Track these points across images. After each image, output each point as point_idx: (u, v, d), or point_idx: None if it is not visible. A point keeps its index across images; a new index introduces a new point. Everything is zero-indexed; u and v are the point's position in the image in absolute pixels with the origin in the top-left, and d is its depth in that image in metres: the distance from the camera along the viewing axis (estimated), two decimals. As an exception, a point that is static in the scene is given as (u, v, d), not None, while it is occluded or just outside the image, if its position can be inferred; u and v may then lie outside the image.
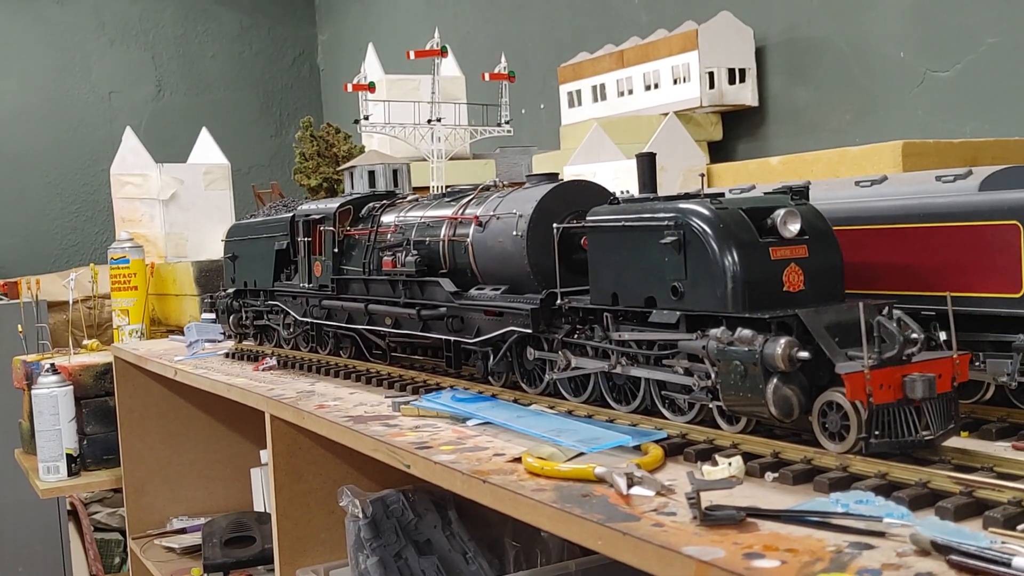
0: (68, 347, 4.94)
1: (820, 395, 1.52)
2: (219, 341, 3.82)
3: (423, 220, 2.50)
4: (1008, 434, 1.70)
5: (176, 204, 5.42)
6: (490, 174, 4.98)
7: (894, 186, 2.08)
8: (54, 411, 4.26)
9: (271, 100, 9.51)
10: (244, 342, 3.50)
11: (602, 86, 5.10)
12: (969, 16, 4.02)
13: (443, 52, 3.90)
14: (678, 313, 1.73)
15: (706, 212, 1.68)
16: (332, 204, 2.86)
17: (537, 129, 6.27)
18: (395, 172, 3.38)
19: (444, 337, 2.37)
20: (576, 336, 2.01)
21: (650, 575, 1.32)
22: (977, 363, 1.73)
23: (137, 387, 4.17)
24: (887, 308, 1.57)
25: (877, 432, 1.46)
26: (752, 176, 3.75)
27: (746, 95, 4.77)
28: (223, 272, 3.64)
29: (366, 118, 3.81)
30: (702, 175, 1.85)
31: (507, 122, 3.94)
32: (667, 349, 1.79)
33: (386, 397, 2.43)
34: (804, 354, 1.50)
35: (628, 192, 2.00)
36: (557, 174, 2.24)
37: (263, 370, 3.03)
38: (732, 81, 4.73)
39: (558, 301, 2.02)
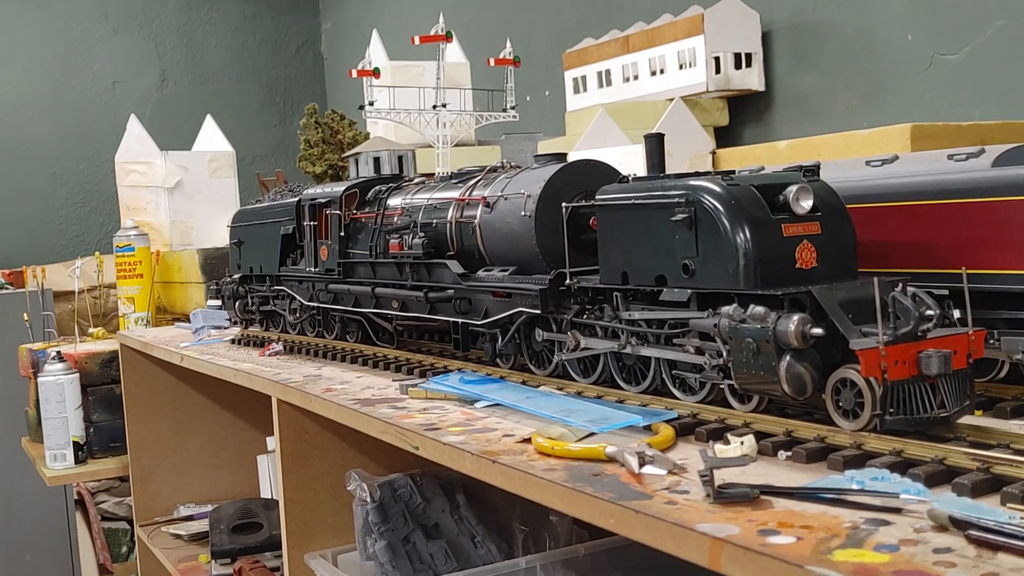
0: (74, 335, 4.94)
1: (833, 372, 1.50)
2: (225, 328, 3.81)
3: (430, 202, 2.48)
4: (1023, 413, 1.68)
5: (181, 192, 5.41)
6: (495, 160, 4.95)
7: (905, 165, 2.06)
8: (60, 399, 4.26)
9: (275, 89, 9.49)
10: (250, 328, 3.49)
11: (607, 72, 5.07)
12: (977, -2, 4.00)
13: (448, 37, 3.87)
14: (689, 291, 1.72)
15: (717, 189, 1.66)
16: (338, 188, 2.84)
17: (542, 116, 6.24)
18: (400, 158, 3.36)
19: (452, 319, 2.36)
20: (585, 316, 1.99)
21: (659, 555, 1.31)
22: (991, 341, 1.71)
23: (143, 375, 4.17)
24: (901, 285, 1.56)
25: (892, 409, 1.44)
26: (759, 160, 3.72)
27: (752, 80, 4.75)
28: (228, 259, 3.63)
29: (371, 104, 3.79)
30: (713, 152, 1.83)
31: (512, 107, 3.91)
32: (678, 328, 1.77)
33: (393, 380, 2.41)
34: (818, 331, 1.49)
35: (633, 175, 1.99)
36: (565, 154, 2.22)
37: (269, 355, 3.02)
38: (738, 66, 4.70)
39: (567, 281, 2.00)
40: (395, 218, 2.59)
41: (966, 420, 1.53)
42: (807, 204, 1.66)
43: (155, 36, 9.05)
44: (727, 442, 1.58)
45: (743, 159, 3.86)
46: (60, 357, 4.32)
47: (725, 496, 1.33)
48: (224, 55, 9.30)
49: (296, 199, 3.06)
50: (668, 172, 1.94)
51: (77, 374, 4.34)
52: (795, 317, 1.50)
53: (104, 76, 8.84)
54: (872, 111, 4.39)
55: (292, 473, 2.62)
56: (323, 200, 2.88)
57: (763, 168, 2.32)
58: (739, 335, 1.57)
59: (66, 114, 8.66)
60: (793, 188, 1.65)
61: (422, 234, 2.43)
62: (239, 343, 3.39)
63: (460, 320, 2.33)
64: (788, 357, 1.50)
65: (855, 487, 1.32)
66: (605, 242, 1.90)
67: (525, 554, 2.49)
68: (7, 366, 5.48)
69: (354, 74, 3.80)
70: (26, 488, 5.78)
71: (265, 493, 3.98)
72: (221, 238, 5.15)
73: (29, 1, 8.58)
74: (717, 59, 4.62)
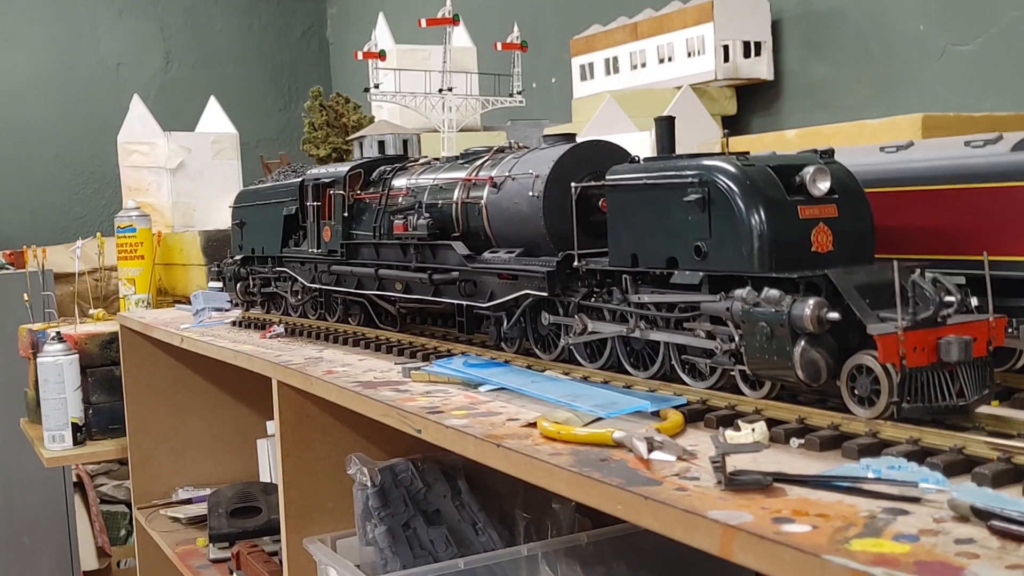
0: (74, 316, 4.90)
1: (849, 358, 1.46)
2: (226, 309, 3.77)
3: (435, 183, 2.44)
4: (1041, 403, 1.65)
5: (183, 173, 5.36)
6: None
7: (921, 151, 2.01)
8: (59, 380, 4.22)
9: (279, 73, 9.43)
10: (251, 310, 3.45)
11: (615, 59, 5.02)
12: (991, -12, 3.95)
13: (455, 20, 3.83)
14: (701, 274, 1.67)
15: (732, 169, 1.62)
16: (342, 168, 2.80)
17: (548, 102, 6.20)
18: (405, 142, 3.33)
19: (456, 302, 2.32)
20: (593, 300, 1.95)
21: (662, 543, 1.27)
22: (1009, 330, 1.67)
23: (143, 357, 4.13)
24: (919, 270, 1.51)
25: (909, 397, 1.40)
26: (768, 148, 3.68)
27: (761, 69, 4.70)
28: (230, 241, 3.59)
29: (376, 86, 3.75)
30: (727, 132, 1.79)
31: (519, 93, 3.87)
32: (688, 312, 1.73)
33: (396, 363, 2.37)
34: (834, 315, 1.45)
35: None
36: (574, 135, 2.18)
37: (270, 337, 2.99)
38: (747, 54, 4.66)
39: (575, 263, 1.96)
40: (400, 198, 2.54)
41: (983, 410, 1.49)
42: (824, 186, 1.62)
43: (160, 18, 8.99)
44: (738, 429, 1.54)
45: (751, 146, 3.80)
46: (60, 338, 4.28)
47: (737, 483, 1.29)
48: (229, 38, 9.25)
49: (299, 179, 3.02)
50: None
51: (77, 355, 4.30)
52: (811, 301, 1.46)
53: (108, 58, 8.79)
54: (883, 101, 4.34)
55: (292, 456, 2.58)
56: (327, 180, 2.84)
57: (774, 154, 2.28)
58: (752, 319, 1.53)
59: (70, 96, 8.61)
60: (810, 169, 1.61)
61: (427, 215, 2.39)
62: (240, 325, 3.35)
63: (465, 303, 2.29)
64: (803, 342, 1.46)
65: (871, 475, 1.28)
66: (615, 223, 1.86)
67: (527, 541, 2.46)
68: (7, 346, 5.45)
69: (360, 56, 3.76)
70: (25, 470, 5.76)
71: (264, 477, 3.95)
72: (223, 220, 5.10)
73: (34, -19, 8.54)
74: (726, 47, 4.57)
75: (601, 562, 2.37)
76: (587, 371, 1.99)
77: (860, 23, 4.45)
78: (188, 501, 4.16)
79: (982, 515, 1.12)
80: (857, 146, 2.41)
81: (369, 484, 2.45)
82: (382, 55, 3.83)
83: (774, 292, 1.51)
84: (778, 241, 1.57)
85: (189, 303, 4.07)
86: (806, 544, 1.09)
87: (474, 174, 2.30)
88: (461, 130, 3.87)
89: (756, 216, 1.57)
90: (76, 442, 4.29)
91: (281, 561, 2.78)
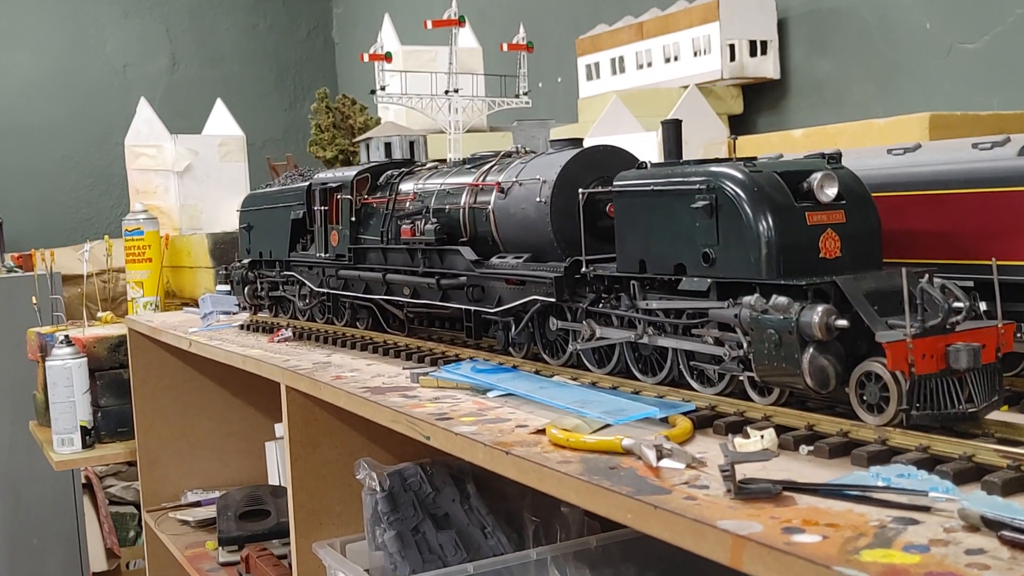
0: (82, 319, 4.91)
1: (858, 365, 1.46)
2: (234, 313, 3.78)
3: (443, 187, 2.44)
4: (1050, 408, 1.65)
5: (191, 176, 5.37)
6: (507, 147, 4.91)
7: (928, 154, 2.01)
8: (68, 383, 4.23)
9: (285, 73, 9.44)
10: (259, 314, 3.46)
11: (621, 58, 5.02)
12: (998, -14, 3.94)
13: (461, 22, 3.83)
14: (709, 280, 1.68)
15: (739, 175, 1.62)
16: (349, 172, 2.80)
17: (554, 102, 6.19)
18: (411, 144, 3.32)
19: (464, 307, 2.32)
20: (601, 305, 1.95)
21: (671, 548, 1.27)
22: (1018, 335, 1.66)
23: (151, 359, 4.14)
24: (927, 276, 1.51)
25: (918, 404, 1.40)
26: (775, 149, 3.67)
27: (767, 68, 4.69)
28: (238, 244, 3.60)
29: (382, 88, 3.75)
30: (734, 137, 1.79)
31: (525, 94, 3.87)
32: (697, 318, 1.73)
33: (404, 368, 2.38)
34: (842, 322, 1.45)
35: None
36: (581, 140, 2.18)
37: (278, 341, 2.99)
38: (753, 53, 4.65)
39: (583, 269, 1.96)
40: (407, 203, 2.55)
41: (993, 416, 1.48)
42: (832, 192, 1.61)
43: (166, 19, 9.01)
44: (747, 436, 1.54)
45: (758, 147, 3.81)
46: (68, 341, 4.29)
47: (747, 492, 1.29)
48: (234, 38, 9.26)
49: (307, 183, 3.03)
50: (687, 158, 1.90)
51: (85, 358, 4.31)
52: (819, 308, 1.46)
53: (115, 59, 8.81)
54: (889, 100, 4.34)
55: (301, 461, 2.59)
56: (334, 184, 2.84)
57: (781, 156, 2.28)
58: (761, 326, 1.53)
59: (76, 97, 8.63)
60: (818, 175, 1.61)
61: (434, 220, 2.39)
62: (248, 329, 3.36)
63: (473, 308, 2.29)
64: (811, 349, 1.46)
65: (881, 484, 1.28)
66: (622, 229, 1.86)
67: (536, 545, 2.46)
68: (15, 349, 5.45)
69: (366, 58, 3.76)
70: (34, 471, 5.77)
71: (273, 480, 3.96)
72: (231, 222, 5.12)
73: (40, -17, 8.55)
74: (732, 46, 4.56)
75: (610, 566, 2.37)
76: (595, 376, 1.99)
77: (866, 21, 4.44)
78: (197, 504, 4.17)
79: (992, 525, 1.12)
80: (864, 148, 2.41)
81: (378, 488, 2.45)
82: (388, 57, 3.83)
83: (782, 299, 1.51)
84: (786, 247, 1.57)
85: (197, 306, 4.08)
86: (817, 555, 1.09)
87: (481, 179, 2.30)
88: (467, 131, 3.87)
89: (764, 222, 1.57)
90: (85, 445, 4.30)
91: (291, 565, 2.79)
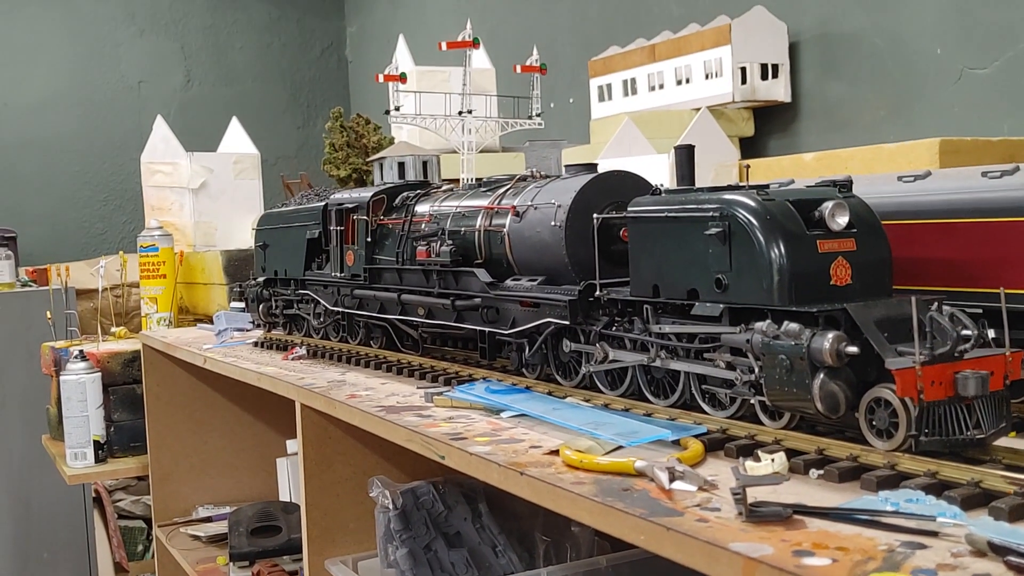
0: (96, 334, 4.95)
1: (868, 391, 1.49)
2: (248, 330, 3.81)
3: (458, 210, 2.47)
4: (1057, 435, 1.67)
5: (205, 193, 5.42)
6: (519, 167, 4.96)
7: (938, 181, 2.04)
8: (82, 398, 4.27)
9: (299, 91, 9.51)
10: (273, 331, 3.49)
11: (633, 80, 5.06)
12: (1008, 12, 3.96)
13: (475, 43, 3.87)
14: (721, 306, 1.70)
15: (752, 203, 1.65)
16: (366, 193, 2.84)
17: (567, 123, 6.23)
18: (425, 164, 3.35)
19: (478, 328, 2.35)
20: (614, 328, 1.98)
21: (681, 568, 1.29)
22: (1026, 362, 1.69)
23: (165, 375, 4.18)
24: (937, 304, 1.54)
25: (927, 430, 1.43)
26: (786, 172, 3.70)
27: (779, 91, 4.72)
28: (252, 261, 3.63)
29: (397, 109, 3.79)
30: (747, 166, 1.82)
31: (538, 115, 3.91)
32: (709, 342, 1.76)
33: (418, 388, 2.41)
34: (853, 349, 1.47)
35: (663, 185, 1.98)
36: (596, 164, 2.21)
37: (292, 359, 3.02)
38: (764, 76, 4.68)
39: (597, 293, 1.99)
40: (423, 225, 2.58)
41: (1001, 442, 1.51)
42: (843, 220, 1.64)
43: (181, 37, 9.09)
44: (757, 459, 1.56)
45: (768, 170, 3.84)
46: (83, 356, 4.33)
47: (758, 515, 1.32)
48: (249, 57, 9.34)
49: (322, 203, 3.06)
50: (697, 184, 1.93)
51: (99, 373, 4.35)
52: (830, 335, 1.48)
53: (130, 76, 8.89)
54: (900, 124, 4.37)
55: (314, 478, 2.61)
56: (350, 205, 2.88)
57: (793, 181, 2.31)
58: (772, 351, 1.56)
59: (92, 113, 8.71)
60: (829, 204, 1.64)
61: (450, 241, 2.42)
62: (262, 346, 3.39)
63: (487, 329, 2.32)
64: (822, 375, 1.49)
65: (890, 508, 1.31)
66: (636, 254, 1.89)
67: (546, 564, 2.48)
68: (30, 363, 5.50)
69: (381, 79, 3.81)
70: (45, 485, 5.80)
71: (284, 496, 3.98)
72: (245, 239, 5.17)
73: (56, 1, 8.63)
74: (743, 69, 4.60)
75: (620, 586, 2.39)
76: (608, 398, 2.01)
77: (877, 46, 4.47)
78: (208, 519, 4.20)
79: (999, 550, 1.14)
80: (875, 175, 2.44)
81: (391, 506, 2.48)
82: (403, 78, 3.87)
83: (794, 326, 1.54)
84: (797, 275, 1.60)
85: (210, 322, 4.12)
86: (826, 578, 1.11)
87: (496, 202, 2.33)
88: (480, 151, 3.91)
89: (776, 250, 1.60)
90: (98, 459, 4.34)
91: (302, 581, 2.81)
